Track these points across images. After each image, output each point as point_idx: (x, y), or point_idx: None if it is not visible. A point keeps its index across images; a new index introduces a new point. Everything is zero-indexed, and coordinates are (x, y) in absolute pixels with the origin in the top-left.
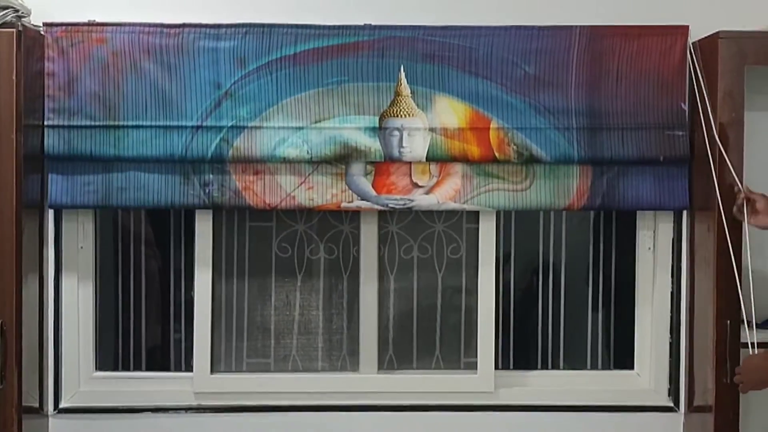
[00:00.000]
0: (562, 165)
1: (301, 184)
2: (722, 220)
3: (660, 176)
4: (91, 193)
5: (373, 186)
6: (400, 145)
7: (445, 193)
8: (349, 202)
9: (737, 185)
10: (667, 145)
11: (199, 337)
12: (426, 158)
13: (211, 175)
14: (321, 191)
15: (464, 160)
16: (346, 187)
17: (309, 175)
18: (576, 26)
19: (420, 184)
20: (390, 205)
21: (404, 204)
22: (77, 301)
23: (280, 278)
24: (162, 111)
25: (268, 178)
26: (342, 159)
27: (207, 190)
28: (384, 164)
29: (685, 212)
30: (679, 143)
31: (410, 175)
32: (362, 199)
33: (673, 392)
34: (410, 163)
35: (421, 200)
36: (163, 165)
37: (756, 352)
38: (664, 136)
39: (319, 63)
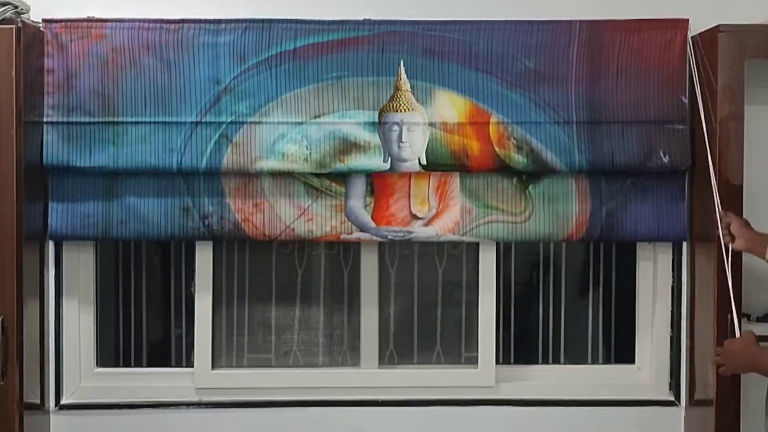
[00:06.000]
0: (562, 197)
1: (300, 215)
2: (722, 218)
3: (658, 207)
4: (91, 226)
5: (372, 218)
6: (400, 140)
7: (444, 225)
8: (348, 233)
9: (717, 210)
10: (667, 139)
11: (200, 332)
12: (425, 154)
13: (210, 207)
14: (320, 223)
15: (464, 155)
16: (346, 219)
17: (308, 206)
18: (576, 20)
19: (419, 215)
20: (389, 237)
21: (403, 236)
22: (78, 298)
23: (280, 273)
24: (161, 107)
25: (268, 210)
26: (341, 154)
27: (206, 222)
28: (383, 196)
29: (685, 201)
30: (680, 137)
31: (409, 206)
32: (361, 231)
33: (674, 386)
34: (409, 195)
35: (420, 232)
36: (163, 199)
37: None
38: (665, 130)
39: (318, 58)
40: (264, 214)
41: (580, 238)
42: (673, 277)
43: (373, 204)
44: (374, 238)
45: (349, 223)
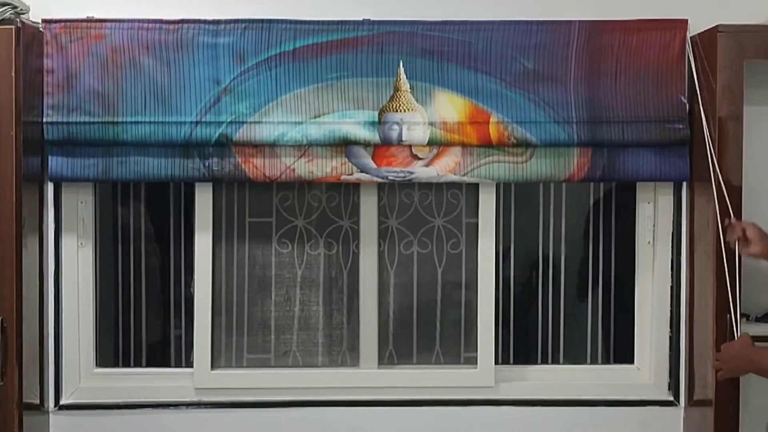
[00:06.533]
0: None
1: (300, 156)
2: (721, 215)
3: (661, 150)
4: (92, 167)
5: (373, 159)
6: (400, 140)
7: (445, 165)
8: (348, 174)
9: (728, 216)
10: (667, 139)
11: (200, 332)
12: None
13: (211, 149)
14: (321, 164)
15: None
16: (346, 160)
17: (309, 148)
18: (575, 21)
19: (420, 156)
20: (390, 178)
21: (404, 176)
22: (77, 298)
23: (280, 274)
24: (161, 107)
25: (268, 151)
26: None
27: (207, 164)
28: None
29: (684, 205)
30: (680, 137)
31: (410, 148)
32: (362, 172)
33: (673, 386)
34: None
35: (421, 172)
36: (163, 141)
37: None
38: (665, 130)
39: (318, 58)
40: (264, 155)
41: (582, 178)
42: (672, 277)
43: (373, 146)
44: (375, 178)
45: (350, 164)
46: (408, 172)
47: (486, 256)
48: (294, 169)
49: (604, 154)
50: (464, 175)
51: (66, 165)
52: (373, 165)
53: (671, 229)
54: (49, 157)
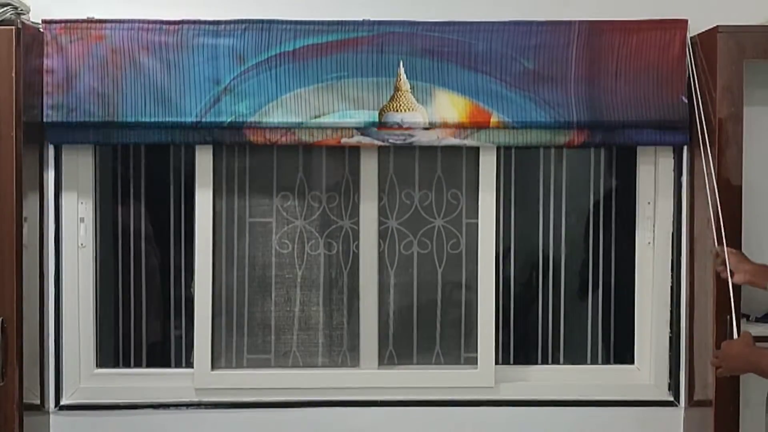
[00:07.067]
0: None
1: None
2: (719, 213)
3: (660, 125)
4: (91, 129)
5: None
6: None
7: (445, 129)
8: (349, 137)
9: (713, 246)
10: (667, 139)
11: (200, 333)
12: None
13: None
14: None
15: None
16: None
17: None
18: (575, 21)
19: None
20: (390, 141)
21: (404, 139)
22: (77, 298)
23: (280, 274)
24: (161, 107)
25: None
26: None
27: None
28: None
29: (684, 206)
30: (680, 137)
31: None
32: (363, 135)
33: (674, 387)
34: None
35: (422, 135)
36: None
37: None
38: (665, 130)
39: (318, 58)
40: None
41: (581, 143)
42: (672, 277)
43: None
44: (375, 141)
45: (351, 128)
46: (408, 135)
47: (486, 279)
48: (294, 133)
49: (604, 123)
50: (464, 138)
51: (65, 132)
52: (373, 128)
53: (671, 229)
54: (47, 131)
